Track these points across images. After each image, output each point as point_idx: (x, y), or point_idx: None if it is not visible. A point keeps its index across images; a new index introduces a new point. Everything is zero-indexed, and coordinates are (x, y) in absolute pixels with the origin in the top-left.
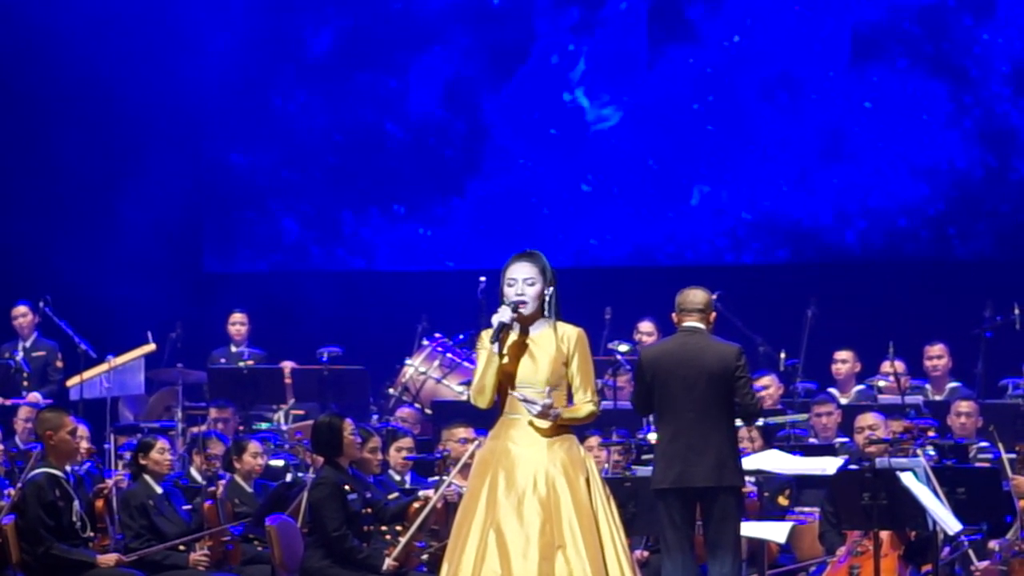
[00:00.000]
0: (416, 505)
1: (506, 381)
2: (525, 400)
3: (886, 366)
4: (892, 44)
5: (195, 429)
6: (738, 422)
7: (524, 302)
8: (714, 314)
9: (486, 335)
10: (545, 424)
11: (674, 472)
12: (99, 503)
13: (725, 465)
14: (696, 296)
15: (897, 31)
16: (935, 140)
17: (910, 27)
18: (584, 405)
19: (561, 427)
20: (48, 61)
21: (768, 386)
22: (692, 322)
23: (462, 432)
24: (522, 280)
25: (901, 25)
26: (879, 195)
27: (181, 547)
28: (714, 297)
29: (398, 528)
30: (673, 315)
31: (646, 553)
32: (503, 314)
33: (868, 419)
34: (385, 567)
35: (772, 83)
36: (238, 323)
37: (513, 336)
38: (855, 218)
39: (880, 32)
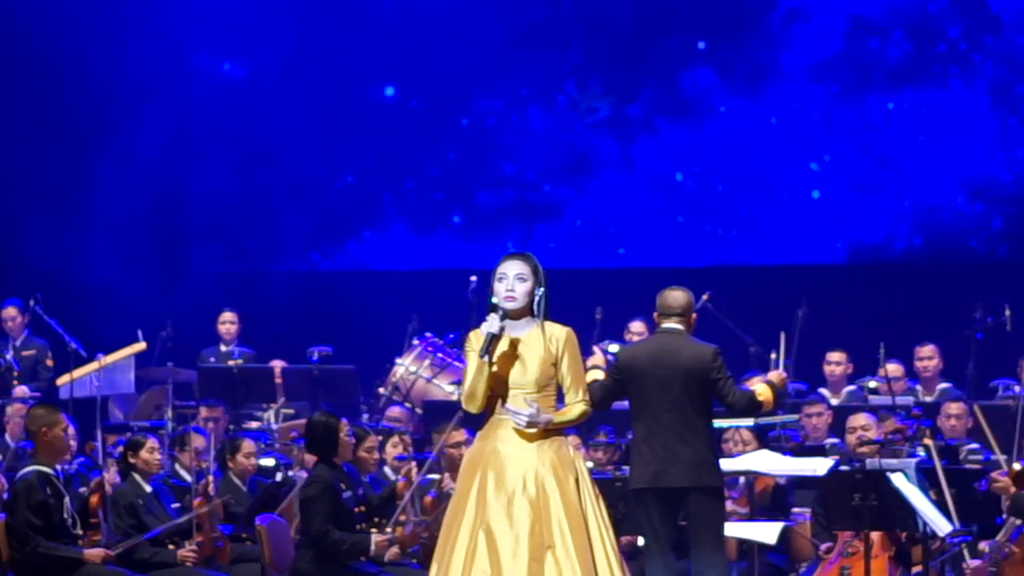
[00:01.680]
0: (401, 484)
1: (496, 383)
2: (512, 412)
3: (883, 371)
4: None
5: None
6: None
7: (513, 299)
8: (695, 316)
9: (474, 336)
10: (534, 429)
11: (650, 471)
12: (94, 498)
13: (702, 466)
14: (676, 297)
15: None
16: (945, 147)
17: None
18: (575, 405)
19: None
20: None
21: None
22: (671, 323)
23: (457, 435)
24: (513, 276)
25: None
26: (873, 196)
27: (170, 545)
28: (705, 298)
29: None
30: (655, 315)
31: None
32: (492, 324)
33: (860, 420)
34: (373, 547)
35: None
36: (228, 322)
37: (504, 348)
38: (849, 220)
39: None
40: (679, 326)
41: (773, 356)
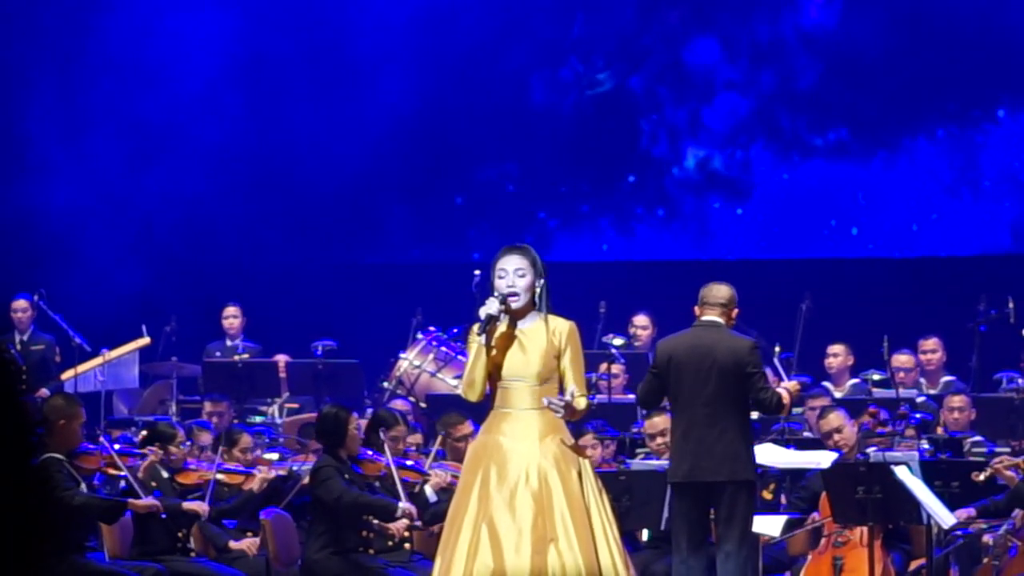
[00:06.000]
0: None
1: (497, 374)
2: (550, 403)
3: (899, 358)
4: None
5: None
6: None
7: (516, 294)
8: (737, 311)
9: (476, 328)
10: (542, 416)
11: (686, 466)
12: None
13: (737, 459)
14: (720, 291)
15: None
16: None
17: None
18: (577, 400)
19: (553, 420)
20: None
21: None
22: (711, 315)
23: (464, 428)
24: (513, 271)
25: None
26: (876, 189)
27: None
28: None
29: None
30: (696, 308)
31: None
32: (490, 306)
33: (833, 421)
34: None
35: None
36: (231, 316)
37: (502, 328)
38: (851, 213)
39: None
40: (719, 319)
41: (777, 349)
